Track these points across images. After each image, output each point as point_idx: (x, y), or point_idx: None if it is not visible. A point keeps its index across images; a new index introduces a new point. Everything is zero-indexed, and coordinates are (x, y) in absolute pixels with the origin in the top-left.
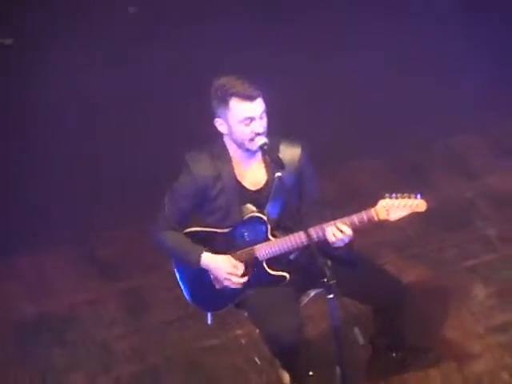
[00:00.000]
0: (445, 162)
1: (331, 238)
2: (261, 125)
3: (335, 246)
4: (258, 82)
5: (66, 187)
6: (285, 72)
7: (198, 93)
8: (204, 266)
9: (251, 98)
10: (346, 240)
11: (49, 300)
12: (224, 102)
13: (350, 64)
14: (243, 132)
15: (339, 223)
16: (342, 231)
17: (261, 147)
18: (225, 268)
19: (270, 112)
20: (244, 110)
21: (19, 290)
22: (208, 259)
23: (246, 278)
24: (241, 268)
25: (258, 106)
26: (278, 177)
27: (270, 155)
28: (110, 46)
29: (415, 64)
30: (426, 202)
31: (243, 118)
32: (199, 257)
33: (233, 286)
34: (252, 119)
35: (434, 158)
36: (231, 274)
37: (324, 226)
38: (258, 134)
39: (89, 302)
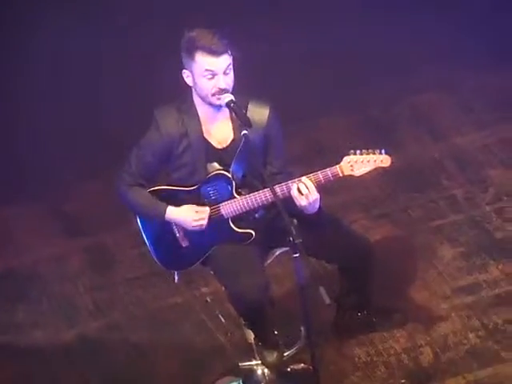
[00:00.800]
0: (411, 120)
1: (296, 194)
2: (224, 80)
3: (303, 209)
4: (229, 38)
5: (33, 139)
6: (255, 30)
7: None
8: (169, 220)
9: (216, 53)
10: (311, 200)
11: (12, 255)
12: (190, 53)
13: (319, 23)
14: (205, 85)
15: (304, 179)
16: (306, 186)
17: (227, 104)
18: (190, 216)
19: (241, 70)
20: (207, 63)
21: None
22: (172, 212)
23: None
24: (206, 210)
25: (222, 62)
26: (244, 135)
27: (236, 113)
28: None
29: (382, 20)
30: (390, 156)
31: (204, 70)
32: (164, 211)
33: (201, 228)
34: (214, 74)
35: (401, 116)
36: (196, 220)
37: (289, 183)
38: (221, 90)
39: (53, 257)
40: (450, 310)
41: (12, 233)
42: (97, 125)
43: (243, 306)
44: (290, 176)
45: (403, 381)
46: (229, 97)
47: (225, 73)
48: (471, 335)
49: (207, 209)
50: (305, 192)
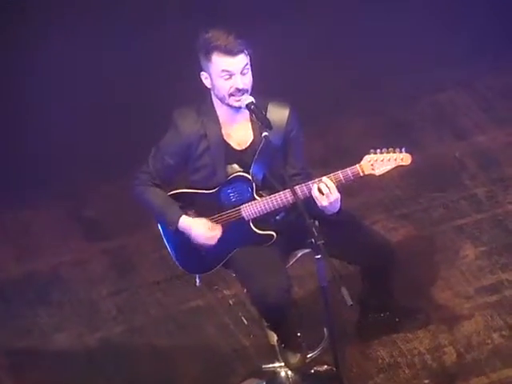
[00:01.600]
0: (432, 119)
1: (317, 194)
2: (242, 80)
3: (323, 209)
4: (246, 37)
5: (54, 143)
6: (274, 31)
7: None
8: (181, 229)
9: (232, 53)
10: (332, 199)
11: (34, 259)
12: (207, 54)
13: (337, 22)
14: (223, 86)
15: (324, 178)
16: (327, 186)
17: (247, 106)
18: (202, 233)
19: (259, 70)
20: (225, 63)
21: (4, 249)
22: (186, 223)
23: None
24: (218, 230)
25: (239, 62)
26: (265, 136)
27: (256, 114)
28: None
29: (401, 19)
30: (411, 155)
31: (221, 71)
32: (177, 219)
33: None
34: (231, 74)
35: (422, 115)
36: (208, 238)
37: (310, 183)
38: (239, 90)
39: (75, 261)
40: (473, 309)
41: (33, 237)
42: (118, 127)
43: (265, 308)
44: (310, 177)
45: (427, 381)
46: (249, 99)
47: (242, 73)
48: (495, 335)
49: (220, 227)
50: (325, 191)
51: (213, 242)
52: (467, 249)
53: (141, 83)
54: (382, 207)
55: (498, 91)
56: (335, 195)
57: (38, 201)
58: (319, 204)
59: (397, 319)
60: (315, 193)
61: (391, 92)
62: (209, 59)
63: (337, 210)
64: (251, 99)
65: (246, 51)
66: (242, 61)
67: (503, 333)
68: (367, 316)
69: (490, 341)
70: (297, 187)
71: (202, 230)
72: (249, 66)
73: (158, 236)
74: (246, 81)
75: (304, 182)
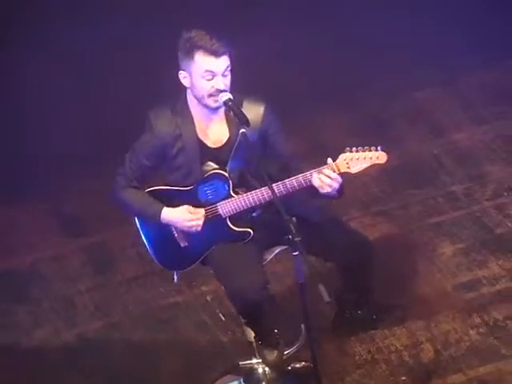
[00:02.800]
0: (410, 116)
1: (319, 183)
2: (223, 82)
3: (323, 192)
4: (227, 39)
5: (34, 139)
6: (255, 30)
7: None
8: (165, 221)
9: (216, 54)
10: (336, 185)
11: (12, 255)
12: (189, 54)
13: (317, 20)
14: (203, 87)
15: (326, 170)
16: (329, 176)
17: (225, 103)
18: (183, 217)
19: (238, 68)
20: (207, 63)
21: None
22: (167, 213)
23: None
24: (200, 212)
25: (222, 63)
26: (242, 133)
27: (234, 111)
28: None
29: (381, 17)
30: (387, 153)
31: (204, 71)
32: (160, 211)
33: (196, 229)
34: (214, 75)
35: (400, 113)
36: (190, 220)
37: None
38: (219, 91)
39: (53, 257)
40: (451, 306)
41: (12, 233)
42: (97, 125)
43: (242, 305)
44: (299, 165)
45: (404, 378)
46: (226, 95)
47: (223, 74)
48: (472, 332)
49: (202, 210)
50: (327, 182)
51: (197, 224)
52: (445, 246)
53: (124, 81)
54: (360, 204)
55: (476, 89)
56: (338, 182)
57: (16, 197)
58: (322, 192)
59: (374, 316)
60: (317, 182)
61: (370, 89)
62: (191, 58)
63: (338, 192)
64: (229, 96)
65: (228, 53)
66: (224, 62)
67: (480, 330)
68: (344, 313)
69: (467, 338)
70: (274, 185)
71: (184, 214)
72: (229, 68)
73: (136, 232)
74: (227, 82)
75: (297, 172)
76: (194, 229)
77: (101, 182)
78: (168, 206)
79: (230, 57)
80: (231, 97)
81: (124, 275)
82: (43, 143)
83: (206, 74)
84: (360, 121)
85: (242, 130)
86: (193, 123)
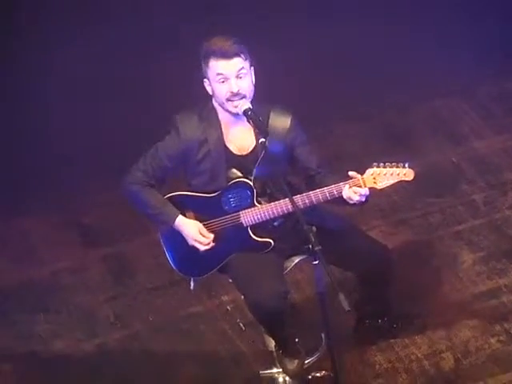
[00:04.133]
0: (430, 125)
1: (349, 194)
2: (237, 84)
3: (352, 202)
4: (245, 42)
5: (52, 150)
6: (269, 40)
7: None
8: (176, 228)
9: (227, 56)
10: (362, 199)
11: (32, 266)
12: (206, 61)
13: (333, 28)
14: (219, 90)
15: (349, 185)
16: (355, 192)
17: (244, 112)
18: (191, 234)
19: (261, 75)
20: (219, 67)
21: (2, 257)
22: (181, 222)
23: (211, 245)
24: (208, 237)
25: (233, 64)
26: (262, 142)
27: (253, 121)
28: None
29: (399, 26)
30: (414, 170)
31: (216, 75)
32: (174, 218)
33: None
34: (226, 77)
35: (419, 121)
36: (196, 241)
37: (311, 193)
38: (235, 95)
39: (72, 268)
40: (471, 315)
41: (31, 244)
42: (116, 135)
43: (262, 315)
44: (329, 172)
45: None
46: (246, 105)
47: (237, 76)
48: (492, 340)
49: (211, 236)
50: (355, 198)
51: (201, 246)
52: (465, 254)
53: (140, 89)
54: (380, 213)
55: (495, 97)
56: (365, 196)
57: (35, 209)
58: (351, 201)
59: (394, 325)
60: (347, 193)
61: (389, 98)
62: (207, 64)
63: (361, 204)
64: (248, 105)
65: (242, 55)
66: (236, 64)
67: (501, 338)
68: (365, 322)
69: (487, 346)
70: (298, 197)
71: (192, 231)
72: (246, 71)
73: (156, 242)
74: (243, 85)
75: (323, 180)
76: (196, 248)
77: (119, 192)
78: (189, 211)
79: (248, 60)
80: (250, 106)
81: (143, 285)
82: (60, 154)
83: (218, 77)
84: (378, 130)
85: (262, 140)
86: (219, 129)
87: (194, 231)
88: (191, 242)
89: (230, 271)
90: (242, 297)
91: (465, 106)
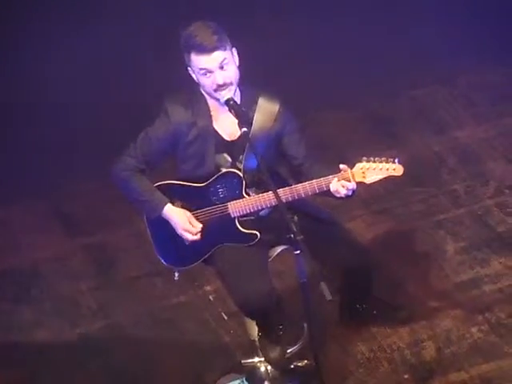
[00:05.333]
0: (412, 115)
1: (337, 187)
2: (221, 75)
3: (339, 195)
4: (223, 30)
5: (32, 141)
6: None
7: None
8: (164, 216)
9: (207, 50)
10: (349, 193)
11: (13, 255)
12: (187, 54)
13: (318, 18)
14: (205, 83)
15: (338, 178)
16: (345, 186)
17: (226, 102)
18: (181, 223)
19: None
20: (201, 62)
21: None
22: (169, 211)
23: (199, 236)
24: (197, 226)
25: (215, 58)
26: (244, 132)
27: (235, 111)
28: None
29: (382, 16)
30: (403, 166)
31: (199, 69)
32: (162, 206)
33: (188, 241)
34: (210, 71)
35: (401, 111)
36: (186, 230)
37: (300, 186)
38: (220, 86)
39: (54, 257)
40: (453, 304)
41: (13, 233)
42: (98, 124)
43: (249, 312)
44: (315, 163)
45: (406, 376)
46: (227, 95)
47: (221, 68)
48: (474, 330)
49: (200, 225)
50: (342, 192)
51: (189, 235)
52: (447, 244)
53: (125, 81)
54: (362, 202)
55: (477, 87)
56: (353, 190)
57: (17, 197)
58: (338, 195)
59: (374, 312)
60: (335, 186)
61: (370, 87)
62: (188, 56)
63: (348, 197)
64: (229, 95)
65: (222, 46)
66: (218, 57)
67: (482, 328)
68: (346, 311)
69: (469, 336)
70: (286, 189)
71: (181, 220)
72: (228, 61)
73: (139, 232)
74: (228, 74)
75: (314, 169)
76: (185, 238)
77: (102, 181)
78: (177, 200)
79: (228, 49)
80: (231, 96)
81: (126, 275)
82: (43, 141)
83: (202, 71)
84: (361, 119)
85: (244, 129)
86: (209, 113)
87: (183, 220)
88: (180, 232)
89: (214, 264)
90: (227, 290)
91: (447, 96)
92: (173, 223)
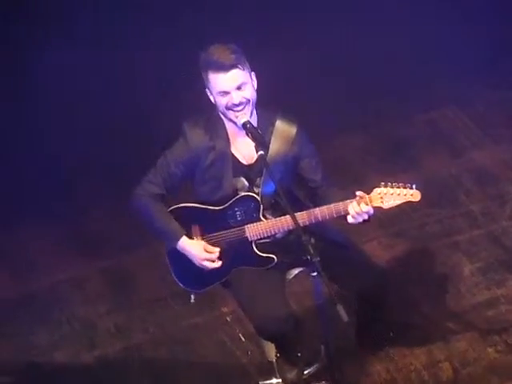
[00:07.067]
0: (428, 136)
1: (353, 212)
2: (237, 95)
3: (356, 221)
4: (244, 51)
5: (52, 164)
6: (271, 47)
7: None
8: (179, 248)
9: (224, 68)
10: (366, 217)
11: (31, 278)
12: (205, 73)
13: (332, 38)
14: (221, 103)
15: (362, 205)
16: (361, 211)
17: (243, 125)
18: (197, 254)
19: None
20: (219, 82)
21: (2, 268)
22: (185, 243)
23: (220, 263)
24: (214, 251)
25: (232, 77)
26: (261, 155)
27: (252, 133)
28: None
29: (397, 36)
30: (421, 192)
31: (216, 88)
32: (177, 239)
33: (209, 269)
34: (226, 92)
35: (418, 132)
36: (204, 259)
37: (317, 210)
38: (236, 105)
39: (72, 279)
40: (469, 325)
41: (31, 255)
42: (117, 147)
43: (266, 335)
44: (332, 185)
45: None
46: (244, 117)
47: (238, 88)
48: (490, 350)
49: (217, 250)
50: (360, 217)
51: (208, 264)
52: (463, 265)
53: (140, 97)
54: (378, 224)
55: (494, 108)
56: (369, 215)
57: (35, 220)
58: (354, 220)
59: (391, 333)
60: (353, 211)
61: (388, 109)
62: (206, 76)
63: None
64: (246, 118)
65: (240, 66)
66: (235, 76)
67: (498, 348)
68: (363, 332)
69: (485, 356)
70: (304, 213)
71: (197, 251)
72: (246, 81)
73: (156, 254)
74: (245, 94)
75: (331, 193)
76: (206, 267)
77: (119, 203)
78: (195, 223)
79: (247, 69)
80: (249, 119)
81: (144, 297)
82: (61, 166)
83: (219, 90)
84: (377, 141)
85: (261, 152)
86: (226, 136)
87: (199, 250)
88: (199, 263)
89: (232, 288)
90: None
91: (463, 117)
92: (189, 256)
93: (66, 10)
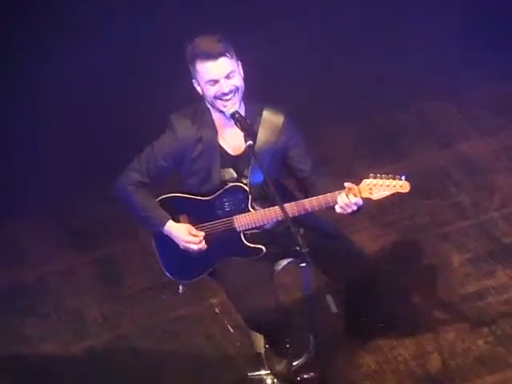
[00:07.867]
0: (417, 128)
1: (342, 204)
2: (227, 84)
3: (345, 211)
4: (229, 40)
5: (39, 157)
6: (257, 40)
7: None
8: (166, 233)
9: (213, 56)
10: (355, 208)
11: (21, 269)
12: (192, 63)
13: (322, 31)
14: (209, 92)
15: (351, 196)
16: (350, 202)
17: (232, 115)
18: (181, 236)
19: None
20: (207, 71)
21: None
22: (170, 227)
23: (205, 246)
24: (199, 235)
25: (221, 65)
26: (250, 145)
27: (240, 124)
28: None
29: (387, 29)
30: (410, 183)
31: (204, 77)
32: (165, 222)
33: (193, 252)
34: (215, 80)
35: (407, 124)
36: (188, 241)
37: (306, 201)
38: (225, 94)
39: (61, 271)
40: (458, 316)
41: (20, 247)
42: (104, 138)
43: (254, 326)
44: (322, 174)
45: None
46: (233, 108)
47: (227, 77)
48: (479, 341)
49: (202, 233)
50: (349, 208)
51: (193, 246)
52: (452, 256)
53: (127, 87)
54: (368, 215)
55: (481, 101)
56: (358, 206)
57: (24, 212)
58: (343, 211)
59: (380, 324)
60: (342, 202)
61: (376, 100)
62: (194, 67)
63: (354, 213)
64: (235, 108)
65: (228, 54)
66: (224, 64)
67: (488, 339)
68: (352, 322)
69: (474, 347)
70: (293, 204)
71: (182, 233)
72: (234, 70)
73: (144, 245)
74: (234, 82)
75: (321, 183)
76: (190, 250)
77: (108, 195)
78: (182, 213)
79: (234, 58)
80: (237, 109)
81: (132, 288)
82: (49, 157)
83: (207, 79)
84: (368, 133)
85: (249, 143)
86: (214, 128)
87: (183, 233)
88: (183, 245)
89: (220, 279)
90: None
91: (452, 109)
92: (174, 238)
93: None
